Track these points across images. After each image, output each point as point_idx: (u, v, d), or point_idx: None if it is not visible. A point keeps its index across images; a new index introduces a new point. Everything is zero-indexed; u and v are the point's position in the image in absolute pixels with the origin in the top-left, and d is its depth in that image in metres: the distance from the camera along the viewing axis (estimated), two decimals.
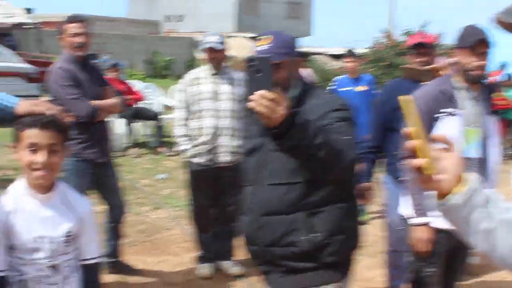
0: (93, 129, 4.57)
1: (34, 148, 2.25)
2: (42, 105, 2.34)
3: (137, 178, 8.45)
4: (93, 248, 2.56)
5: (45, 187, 2.36)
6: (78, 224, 2.44)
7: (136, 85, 11.48)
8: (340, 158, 2.33)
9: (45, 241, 2.34)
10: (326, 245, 2.53)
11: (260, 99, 2.02)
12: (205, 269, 5.15)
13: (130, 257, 5.34)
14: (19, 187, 2.38)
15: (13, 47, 18.10)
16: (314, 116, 2.44)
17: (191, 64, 28.18)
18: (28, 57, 17.47)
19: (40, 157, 2.25)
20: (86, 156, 4.56)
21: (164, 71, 28.68)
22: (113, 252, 5.00)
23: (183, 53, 30.45)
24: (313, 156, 2.22)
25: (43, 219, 2.35)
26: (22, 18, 22.29)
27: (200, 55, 4.86)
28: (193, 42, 31.71)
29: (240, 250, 5.25)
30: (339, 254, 2.58)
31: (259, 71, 2.06)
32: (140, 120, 10.62)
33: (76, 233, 2.44)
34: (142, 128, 11.03)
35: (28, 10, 28.25)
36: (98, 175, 4.68)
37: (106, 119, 4.78)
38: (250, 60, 2.10)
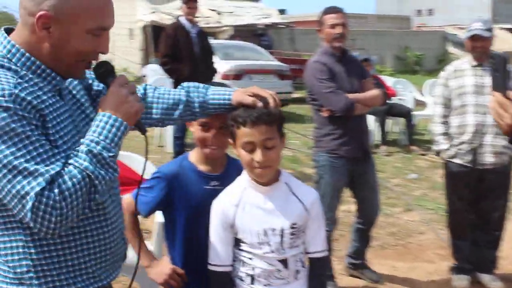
0: (350, 123, 4.34)
1: (249, 147, 2.21)
2: (254, 90, 2.22)
3: (388, 177, 8.15)
4: (320, 240, 2.42)
5: (268, 179, 2.31)
6: (304, 215, 2.34)
7: (388, 80, 11.17)
8: None
9: (272, 234, 2.28)
10: None
11: (491, 100, 1.88)
12: (461, 281, 4.70)
13: (379, 261, 5.12)
14: (242, 180, 2.35)
15: (268, 46, 18.96)
16: None
17: (443, 59, 27.18)
18: (281, 55, 18.15)
19: (257, 156, 2.20)
20: (342, 153, 4.34)
21: (414, 67, 27.98)
22: (357, 254, 4.79)
23: (434, 47, 29.54)
24: None
25: (269, 211, 2.29)
26: (275, 18, 23.30)
27: (453, 49, 4.41)
28: (444, 36, 30.60)
29: (503, 263, 4.73)
30: None
31: (497, 70, 1.94)
32: (391, 117, 10.28)
33: (302, 224, 2.34)
34: (393, 125, 10.70)
35: (281, 11, 29.52)
36: (354, 173, 4.45)
37: (364, 113, 4.52)
38: (491, 57, 1.99)
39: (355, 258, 4.79)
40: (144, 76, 14.83)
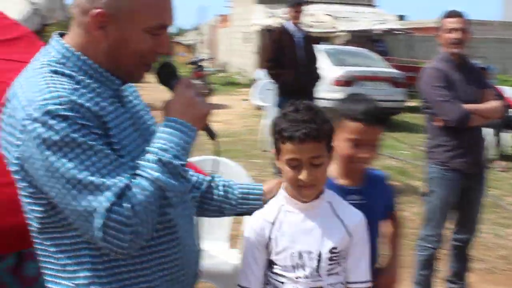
0: (464, 135, 4.07)
1: (294, 163, 2.00)
2: None
3: (502, 195, 7.62)
4: (362, 269, 2.14)
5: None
6: (346, 240, 2.09)
7: (507, 91, 10.51)
8: None
9: (308, 257, 2.05)
10: None
11: None
12: None
13: (486, 286, 4.78)
14: (280, 195, 2.14)
15: (383, 53, 18.50)
16: None
17: None
18: (396, 62, 17.64)
19: (302, 175, 1.99)
20: (455, 166, 4.08)
21: None
22: (456, 277, 4.45)
23: None
24: None
25: (306, 232, 2.07)
26: (393, 24, 22.73)
27: None
28: None
29: None
30: None
31: None
32: (509, 130, 9.65)
33: (343, 250, 2.09)
34: (511, 139, 10.03)
35: (401, 17, 28.80)
36: (464, 188, 4.16)
37: (480, 125, 4.22)
38: None
39: (454, 282, 4.46)
40: (255, 79, 14.94)
